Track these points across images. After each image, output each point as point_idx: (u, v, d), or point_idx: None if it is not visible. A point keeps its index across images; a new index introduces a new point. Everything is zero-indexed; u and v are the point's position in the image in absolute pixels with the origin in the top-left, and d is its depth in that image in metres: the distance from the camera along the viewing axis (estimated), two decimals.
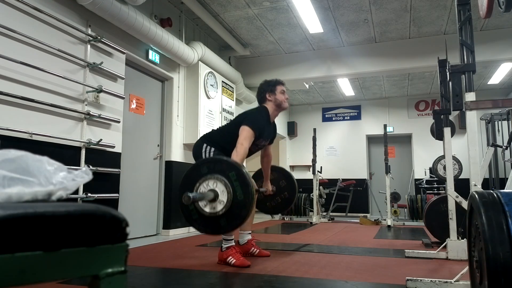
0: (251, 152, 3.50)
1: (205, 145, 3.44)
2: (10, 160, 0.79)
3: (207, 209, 2.56)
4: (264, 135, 3.49)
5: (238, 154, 3.12)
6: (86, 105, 4.12)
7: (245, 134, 3.22)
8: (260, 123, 3.38)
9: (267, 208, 4.18)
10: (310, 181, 8.09)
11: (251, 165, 11.40)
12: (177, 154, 5.80)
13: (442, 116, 3.89)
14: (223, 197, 2.53)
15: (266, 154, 3.84)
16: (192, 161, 6.35)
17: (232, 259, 3.16)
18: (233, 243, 3.29)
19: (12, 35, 3.38)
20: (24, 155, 0.82)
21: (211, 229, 2.63)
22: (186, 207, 2.61)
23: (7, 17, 3.36)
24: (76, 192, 3.80)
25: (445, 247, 3.58)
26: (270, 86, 3.63)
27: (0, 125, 3.19)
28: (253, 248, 3.67)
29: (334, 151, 11.26)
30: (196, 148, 3.51)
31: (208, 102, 6.31)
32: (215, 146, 3.41)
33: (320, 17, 6.17)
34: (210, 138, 3.51)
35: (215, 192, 2.54)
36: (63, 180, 0.85)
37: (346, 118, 11.33)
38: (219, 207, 2.54)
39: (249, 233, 3.71)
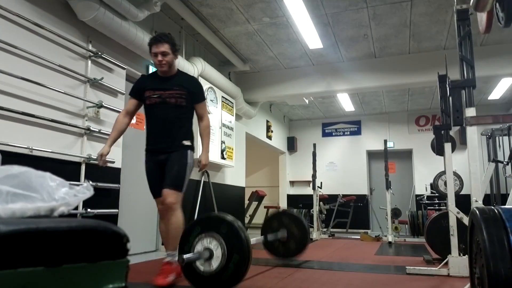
0: (155, 105, 3.30)
1: None
2: (13, 176, 0.79)
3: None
4: (148, 87, 3.31)
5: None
6: (86, 120, 4.13)
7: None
8: (136, 83, 3.46)
9: (282, 253, 4.32)
10: (310, 196, 8.07)
11: (254, 180, 11.39)
12: None
13: (443, 131, 3.90)
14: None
15: (199, 116, 3.49)
16: (192, 176, 6.29)
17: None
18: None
19: (13, 50, 3.41)
20: (27, 171, 0.82)
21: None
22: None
23: (9, 33, 3.39)
24: (76, 207, 3.79)
25: (446, 263, 3.55)
26: (149, 45, 3.24)
27: (1, 140, 3.20)
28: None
29: (334, 167, 11.24)
30: None
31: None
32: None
33: (320, 32, 6.22)
34: None
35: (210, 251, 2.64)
36: (65, 196, 0.85)
37: (346, 133, 11.35)
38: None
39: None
